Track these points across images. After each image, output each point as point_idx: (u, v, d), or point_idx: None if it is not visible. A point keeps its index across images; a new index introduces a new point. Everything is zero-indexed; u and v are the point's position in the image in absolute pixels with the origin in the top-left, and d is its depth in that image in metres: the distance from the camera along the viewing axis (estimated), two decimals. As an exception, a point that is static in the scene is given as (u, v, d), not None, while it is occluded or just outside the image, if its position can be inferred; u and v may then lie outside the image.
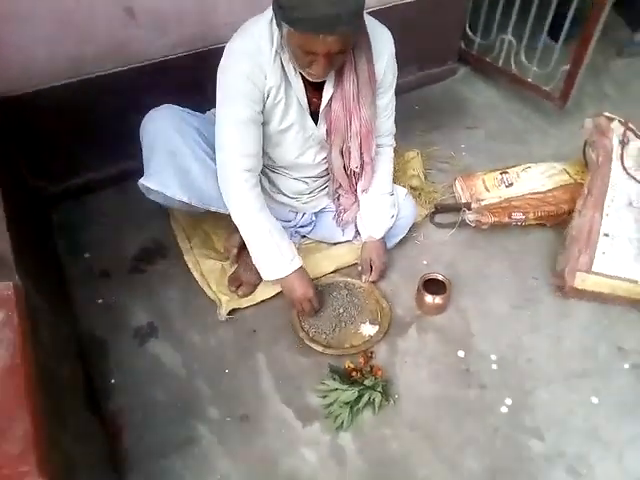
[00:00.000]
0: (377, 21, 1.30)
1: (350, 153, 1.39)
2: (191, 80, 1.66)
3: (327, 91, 1.28)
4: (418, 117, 2.17)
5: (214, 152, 1.32)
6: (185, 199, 1.31)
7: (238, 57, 1.21)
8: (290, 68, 1.23)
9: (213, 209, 1.37)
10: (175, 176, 1.29)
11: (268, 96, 1.25)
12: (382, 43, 1.29)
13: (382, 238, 1.54)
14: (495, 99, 2.31)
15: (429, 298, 1.48)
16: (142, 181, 1.32)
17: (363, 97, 1.29)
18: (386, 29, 1.32)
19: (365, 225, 1.54)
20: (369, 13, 1.28)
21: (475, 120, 2.20)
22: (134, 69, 1.64)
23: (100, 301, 1.52)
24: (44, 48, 1.50)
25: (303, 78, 1.25)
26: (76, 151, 1.72)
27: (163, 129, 1.31)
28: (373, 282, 1.56)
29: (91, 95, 1.62)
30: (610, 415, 1.33)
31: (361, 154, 1.39)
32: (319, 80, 1.22)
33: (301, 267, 1.39)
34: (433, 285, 1.50)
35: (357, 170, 1.44)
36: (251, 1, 1.54)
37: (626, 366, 1.42)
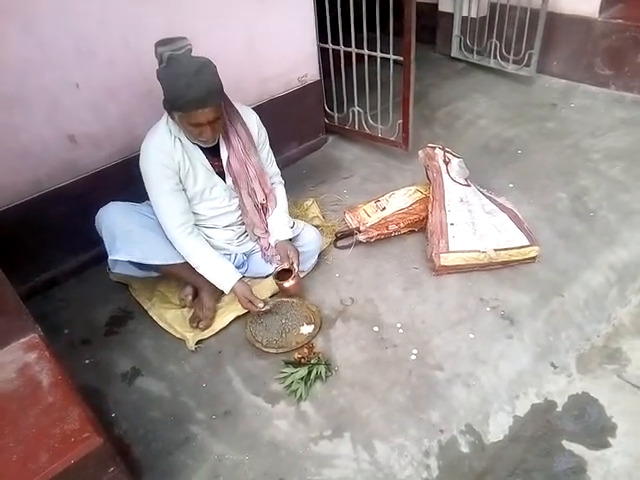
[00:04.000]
0: (243, 105, 1.90)
1: (255, 191, 1.92)
2: (125, 180, 1.99)
3: (224, 154, 1.83)
4: (307, 177, 2.75)
5: (158, 224, 1.79)
6: (149, 261, 1.74)
7: (150, 151, 1.73)
8: (189, 145, 1.76)
9: (171, 262, 1.80)
10: (137, 245, 1.73)
11: (179, 169, 1.76)
12: (248, 115, 1.89)
13: (288, 240, 1.98)
14: (360, 154, 2.97)
15: (286, 284, 1.89)
16: (112, 257, 1.73)
17: (248, 150, 1.85)
18: (249, 108, 1.92)
19: (273, 233, 2.00)
20: (252, 108, 1.87)
21: (349, 171, 2.82)
22: (80, 180, 2.06)
23: (87, 361, 1.83)
24: (7, 176, 1.89)
25: (202, 149, 1.78)
26: (40, 253, 2.05)
27: (117, 218, 1.77)
28: (297, 268, 1.91)
29: (48, 206, 2.00)
30: (483, 343, 1.83)
31: (262, 189, 1.93)
32: (211, 145, 1.74)
33: (242, 277, 1.85)
34: (285, 273, 1.92)
35: (264, 202, 1.96)
36: (159, 115, 2.08)
37: (487, 309, 1.96)
